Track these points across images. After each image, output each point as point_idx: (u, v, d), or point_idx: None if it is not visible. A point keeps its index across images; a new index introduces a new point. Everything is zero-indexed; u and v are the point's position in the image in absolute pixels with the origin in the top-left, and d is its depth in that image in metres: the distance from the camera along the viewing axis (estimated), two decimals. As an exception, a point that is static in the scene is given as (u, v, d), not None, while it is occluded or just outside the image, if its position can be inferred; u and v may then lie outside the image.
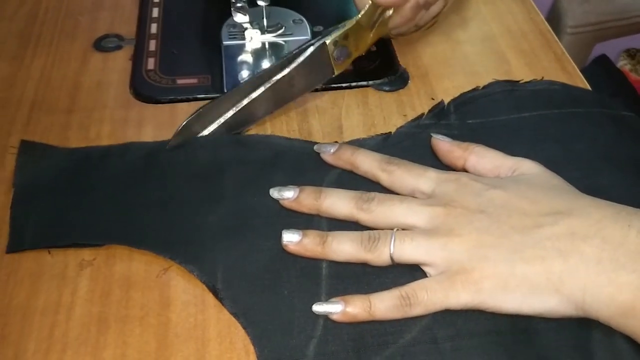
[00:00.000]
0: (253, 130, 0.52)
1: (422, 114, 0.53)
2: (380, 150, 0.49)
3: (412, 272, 0.41)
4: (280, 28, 0.61)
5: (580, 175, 0.46)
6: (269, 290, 0.41)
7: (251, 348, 0.39)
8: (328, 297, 0.40)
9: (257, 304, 0.40)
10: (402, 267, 0.41)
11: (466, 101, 0.54)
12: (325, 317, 0.39)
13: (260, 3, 0.58)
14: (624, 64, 1.03)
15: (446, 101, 0.54)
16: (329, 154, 0.48)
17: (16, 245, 0.43)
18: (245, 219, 0.44)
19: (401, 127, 0.52)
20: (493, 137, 0.50)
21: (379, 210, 0.42)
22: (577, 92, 0.56)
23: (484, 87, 0.55)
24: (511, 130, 0.51)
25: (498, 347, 0.38)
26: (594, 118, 0.53)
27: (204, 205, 0.45)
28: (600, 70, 0.96)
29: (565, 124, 0.52)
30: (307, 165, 0.48)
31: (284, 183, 0.46)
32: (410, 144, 0.50)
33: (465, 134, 0.51)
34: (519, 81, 0.56)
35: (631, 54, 1.04)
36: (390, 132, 0.51)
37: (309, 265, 0.42)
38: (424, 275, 0.41)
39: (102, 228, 0.44)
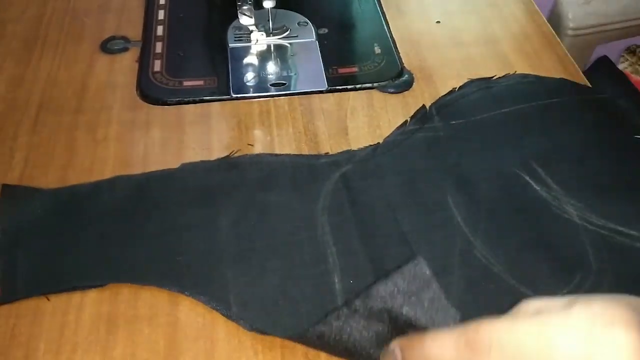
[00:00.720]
0: (257, 132, 0.52)
1: (406, 121, 0.53)
2: (371, 160, 0.49)
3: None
4: (286, 30, 0.62)
5: (567, 166, 0.48)
6: (285, 311, 0.40)
7: (259, 347, 0.39)
8: (347, 313, 0.39)
9: (275, 325, 0.39)
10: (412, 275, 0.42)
11: (446, 104, 0.55)
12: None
13: (265, 5, 0.58)
14: (624, 67, 1.03)
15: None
16: None
17: (8, 295, 0.41)
18: (247, 243, 0.44)
19: (388, 136, 0.52)
20: (478, 136, 0.51)
21: None
22: (552, 82, 0.57)
23: (460, 87, 0.56)
24: (495, 127, 0.52)
25: None
26: (572, 106, 0.54)
27: (203, 232, 0.44)
28: (601, 72, 0.96)
29: (546, 116, 0.53)
30: (301, 180, 0.48)
31: (281, 202, 0.46)
32: (400, 152, 0.50)
33: (451, 135, 0.52)
34: (492, 77, 0.57)
35: (632, 49, 1.04)
36: (379, 143, 0.51)
37: (321, 282, 0.42)
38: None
39: (101, 268, 0.42)
